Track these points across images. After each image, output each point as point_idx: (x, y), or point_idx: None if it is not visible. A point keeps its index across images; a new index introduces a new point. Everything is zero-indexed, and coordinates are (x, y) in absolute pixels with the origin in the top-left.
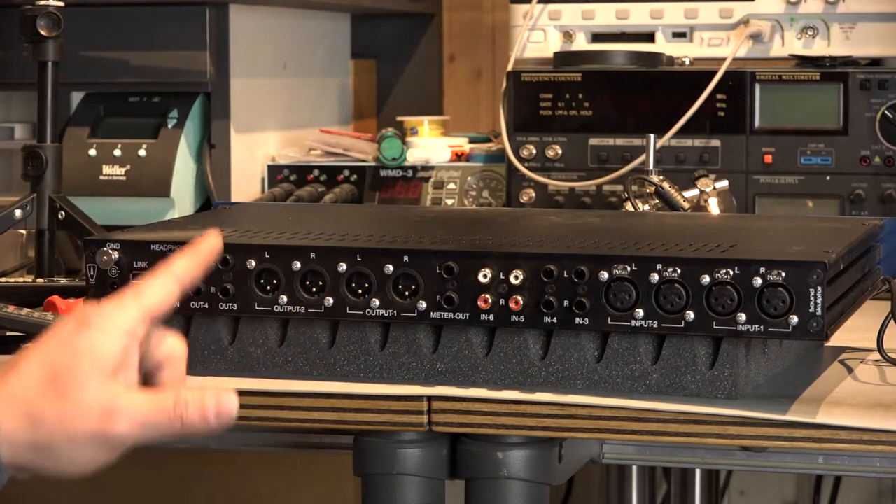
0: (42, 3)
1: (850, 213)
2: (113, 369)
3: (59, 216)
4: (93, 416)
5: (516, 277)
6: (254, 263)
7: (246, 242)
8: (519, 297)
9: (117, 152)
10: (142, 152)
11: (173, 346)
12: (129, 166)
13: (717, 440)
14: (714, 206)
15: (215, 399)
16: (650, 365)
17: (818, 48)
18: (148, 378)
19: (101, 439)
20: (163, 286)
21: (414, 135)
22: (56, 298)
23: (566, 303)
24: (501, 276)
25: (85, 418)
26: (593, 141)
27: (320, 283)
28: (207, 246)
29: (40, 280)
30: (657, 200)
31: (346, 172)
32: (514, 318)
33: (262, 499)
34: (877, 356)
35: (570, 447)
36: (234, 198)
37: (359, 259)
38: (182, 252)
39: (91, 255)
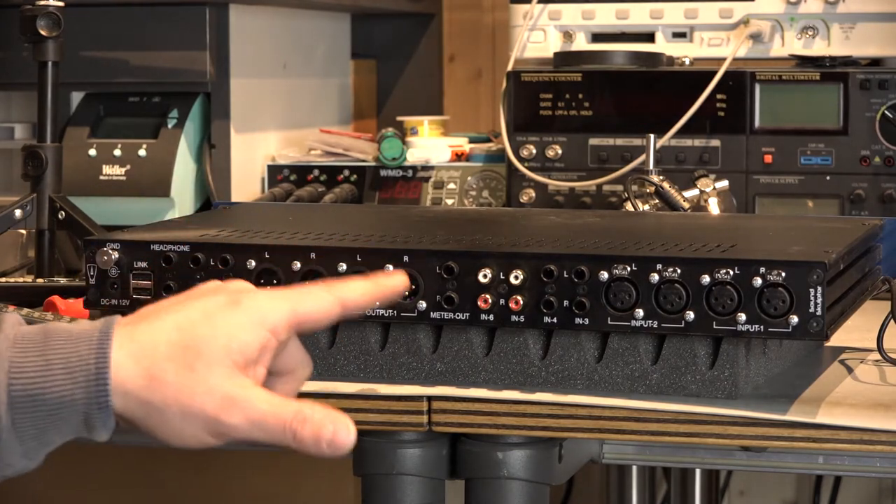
0: (42, 3)
1: (850, 213)
2: (246, 360)
3: (59, 216)
4: (213, 398)
5: (516, 277)
6: (254, 263)
7: (246, 242)
8: (519, 297)
9: (117, 152)
10: (142, 152)
11: (302, 364)
12: (129, 166)
13: (717, 440)
14: (714, 206)
15: (334, 427)
16: (650, 365)
17: (818, 48)
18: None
19: (213, 424)
20: (325, 301)
21: (414, 135)
22: (56, 298)
23: (566, 303)
24: (501, 276)
25: (204, 398)
26: (593, 141)
27: None
28: (391, 285)
29: (40, 280)
30: (657, 200)
31: (346, 172)
32: (514, 318)
33: (261, 499)
34: (877, 356)
35: (570, 447)
36: (234, 198)
37: (359, 259)
38: (363, 277)
39: (91, 255)
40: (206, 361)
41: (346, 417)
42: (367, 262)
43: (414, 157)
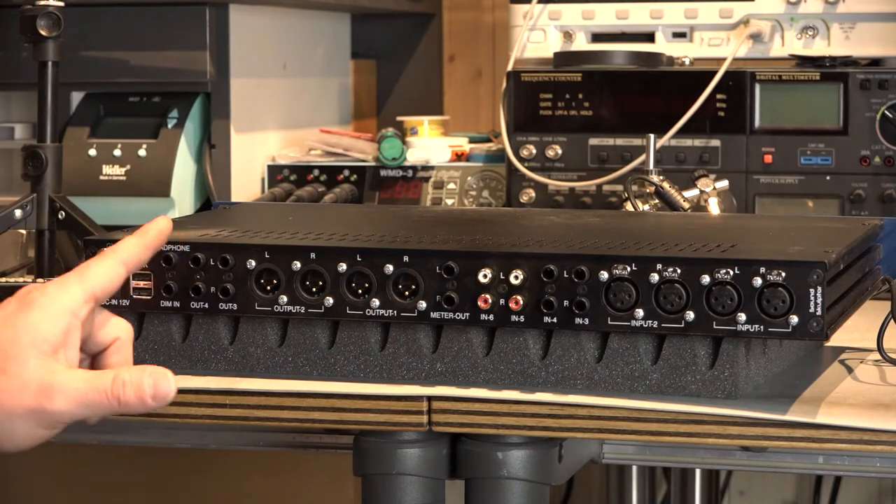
0: (42, 3)
1: (850, 213)
2: (53, 347)
3: (59, 216)
4: (30, 391)
5: (516, 277)
6: (254, 263)
7: (246, 242)
8: (519, 297)
9: (117, 152)
10: (142, 152)
11: (120, 330)
12: (129, 166)
13: (717, 440)
14: (714, 206)
15: (153, 380)
16: (650, 365)
17: (818, 48)
18: (95, 361)
19: (38, 415)
20: (108, 268)
21: (414, 135)
22: None
23: (566, 303)
24: (501, 276)
25: (23, 393)
26: (593, 141)
27: (320, 283)
28: (156, 229)
29: (40, 280)
30: (657, 200)
31: (346, 172)
32: (514, 318)
33: (261, 499)
34: (877, 356)
35: (570, 447)
36: (234, 198)
37: (359, 259)
38: (130, 235)
39: (91, 255)
40: (14, 360)
41: (162, 368)
42: (367, 262)
43: (414, 157)
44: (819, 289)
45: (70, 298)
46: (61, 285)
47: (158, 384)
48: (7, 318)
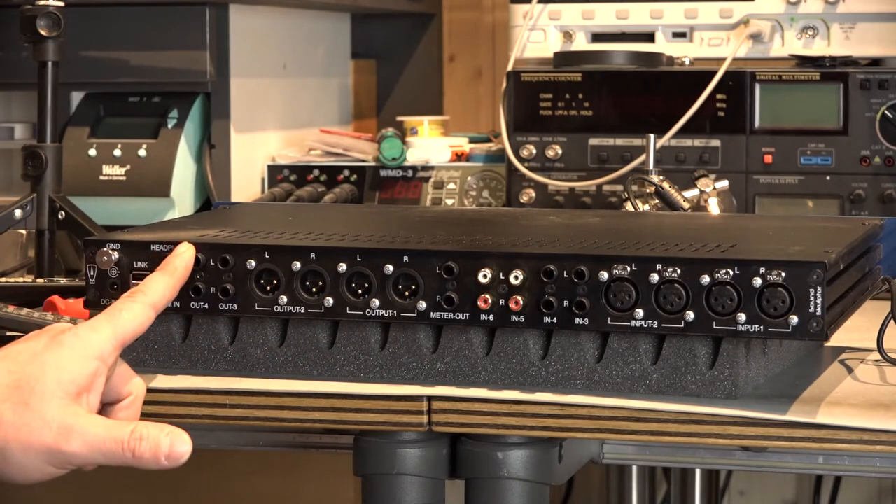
0: (42, 3)
1: (850, 213)
2: (78, 390)
3: (59, 216)
4: (51, 430)
5: (516, 277)
6: (254, 263)
7: (246, 242)
8: (519, 297)
9: (117, 152)
10: (142, 152)
11: (136, 388)
12: (129, 166)
13: (717, 440)
14: (714, 206)
15: (170, 440)
16: (650, 365)
17: (818, 48)
18: (104, 410)
19: (53, 454)
20: (138, 313)
21: (414, 135)
22: (56, 298)
23: (566, 303)
24: (501, 276)
25: (42, 431)
26: (593, 141)
27: (320, 283)
28: (183, 265)
29: (40, 280)
30: (657, 200)
31: (346, 172)
32: (514, 318)
33: (261, 499)
34: (877, 356)
35: (570, 447)
36: (234, 198)
37: (359, 259)
38: (157, 272)
39: (91, 255)
40: (39, 396)
41: (179, 430)
42: (367, 262)
43: (414, 157)
44: (819, 289)
45: (101, 342)
46: (93, 328)
47: (174, 445)
48: (36, 353)
